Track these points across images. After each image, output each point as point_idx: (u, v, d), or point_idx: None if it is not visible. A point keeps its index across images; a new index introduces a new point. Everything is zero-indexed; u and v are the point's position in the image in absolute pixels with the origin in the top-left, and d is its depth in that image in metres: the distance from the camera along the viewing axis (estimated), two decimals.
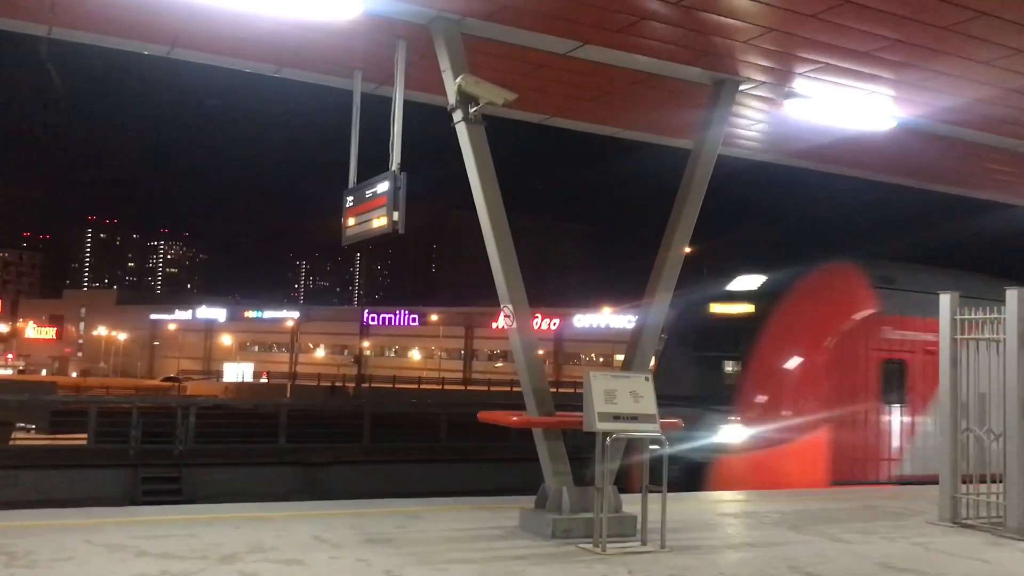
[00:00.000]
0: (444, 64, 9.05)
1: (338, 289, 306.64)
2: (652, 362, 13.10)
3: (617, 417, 8.39)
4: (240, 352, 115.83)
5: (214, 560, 7.17)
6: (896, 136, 12.06)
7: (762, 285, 15.91)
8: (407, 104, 9.71)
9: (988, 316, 10.11)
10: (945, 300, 10.51)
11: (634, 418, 8.47)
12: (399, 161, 9.47)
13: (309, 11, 8.81)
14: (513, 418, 9.42)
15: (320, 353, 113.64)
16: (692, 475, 13.67)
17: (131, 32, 9.74)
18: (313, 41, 9.71)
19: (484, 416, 9.78)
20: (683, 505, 10.45)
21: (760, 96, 10.87)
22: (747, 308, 15.79)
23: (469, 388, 78.85)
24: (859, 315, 15.24)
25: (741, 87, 10.50)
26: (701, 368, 16.38)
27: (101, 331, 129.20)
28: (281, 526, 8.55)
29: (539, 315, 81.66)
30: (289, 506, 9.52)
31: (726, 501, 11.37)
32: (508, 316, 9.02)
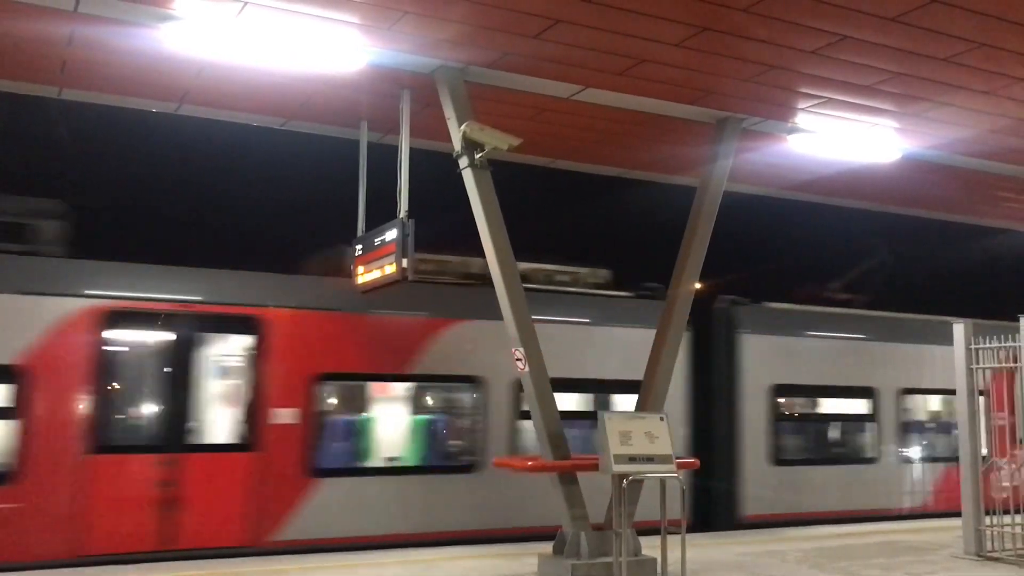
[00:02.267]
0: (449, 112, 9.14)
1: None
2: None
3: (633, 459, 8.33)
4: None
5: None
6: (902, 167, 12.08)
7: None
8: (414, 152, 9.79)
9: (1003, 344, 10.04)
10: (959, 329, 10.45)
11: (650, 459, 8.40)
12: (407, 208, 9.53)
13: (314, 64, 8.92)
14: (528, 463, 9.35)
15: None
16: None
17: (140, 91, 9.89)
18: (319, 93, 9.83)
19: (499, 462, 9.71)
20: (703, 546, 10.33)
21: (764, 132, 10.93)
22: None
23: None
24: None
25: (744, 124, 10.56)
26: None
27: None
28: None
29: None
30: (307, 559, 9.43)
31: (746, 541, 11.22)
32: (520, 359, 9.00)
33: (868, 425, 14.50)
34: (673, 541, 8.41)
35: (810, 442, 14.29)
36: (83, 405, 9.58)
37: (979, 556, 9.98)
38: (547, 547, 9.07)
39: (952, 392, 10.73)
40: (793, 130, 10.85)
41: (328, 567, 9.08)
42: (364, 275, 10.07)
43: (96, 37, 8.42)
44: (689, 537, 8.41)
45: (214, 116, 10.75)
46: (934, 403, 15.39)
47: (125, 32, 8.28)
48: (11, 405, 9.32)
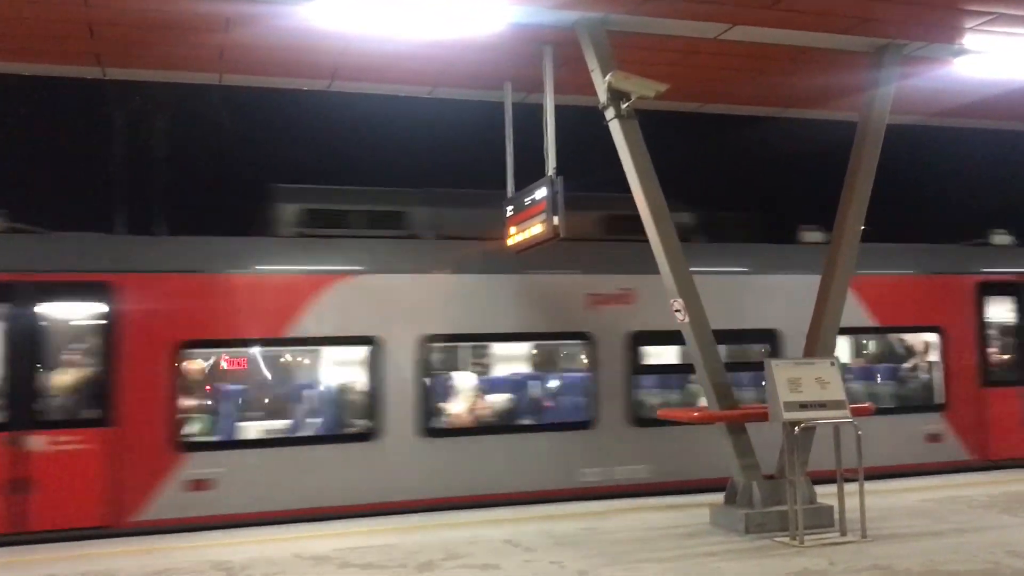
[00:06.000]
0: (592, 64, 9.03)
1: None
2: None
3: (804, 406, 8.12)
4: None
5: (412, 568, 7.40)
6: None
7: None
8: (560, 109, 9.74)
9: None
10: None
11: (822, 405, 8.17)
12: (555, 166, 9.52)
13: (458, 29, 9.01)
14: (694, 414, 9.26)
15: None
16: None
17: (293, 70, 10.26)
18: (463, 58, 9.91)
19: (664, 413, 9.65)
20: (881, 492, 9.97)
21: (927, 57, 10.26)
22: None
23: None
24: None
25: (905, 50, 9.95)
26: None
27: None
28: (473, 533, 8.72)
29: None
30: (480, 514, 9.70)
31: (928, 487, 10.75)
32: (680, 310, 8.88)
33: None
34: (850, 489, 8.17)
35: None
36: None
37: None
38: (717, 498, 9.00)
39: None
40: (960, 52, 10.14)
41: (522, 518, 9.30)
42: (516, 235, 10.14)
43: (250, 20, 8.76)
44: (867, 484, 8.13)
45: (364, 90, 11.06)
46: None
47: (276, 12, 8.57)
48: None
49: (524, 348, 12.31)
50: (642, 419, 11.30)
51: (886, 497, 9.91)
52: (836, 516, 8.34)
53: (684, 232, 11.68)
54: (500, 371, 12.17)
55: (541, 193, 9.50)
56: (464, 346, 11.96)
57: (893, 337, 13.27)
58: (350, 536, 8.72)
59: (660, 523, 9.06)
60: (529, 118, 10.50)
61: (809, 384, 8.20)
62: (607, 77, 8.76)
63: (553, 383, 12.11)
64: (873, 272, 12.32)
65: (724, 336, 11.29)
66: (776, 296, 11.94)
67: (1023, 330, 13.28)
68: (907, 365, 13.15)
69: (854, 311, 11.88)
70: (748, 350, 12.43)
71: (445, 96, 11.38)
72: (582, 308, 11.29)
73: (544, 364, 12.51)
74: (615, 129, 9.00)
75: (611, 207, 11.97)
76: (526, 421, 11.40)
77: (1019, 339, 13.28)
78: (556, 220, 9.25)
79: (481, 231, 11.21)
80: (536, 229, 9.62)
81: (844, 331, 11.56)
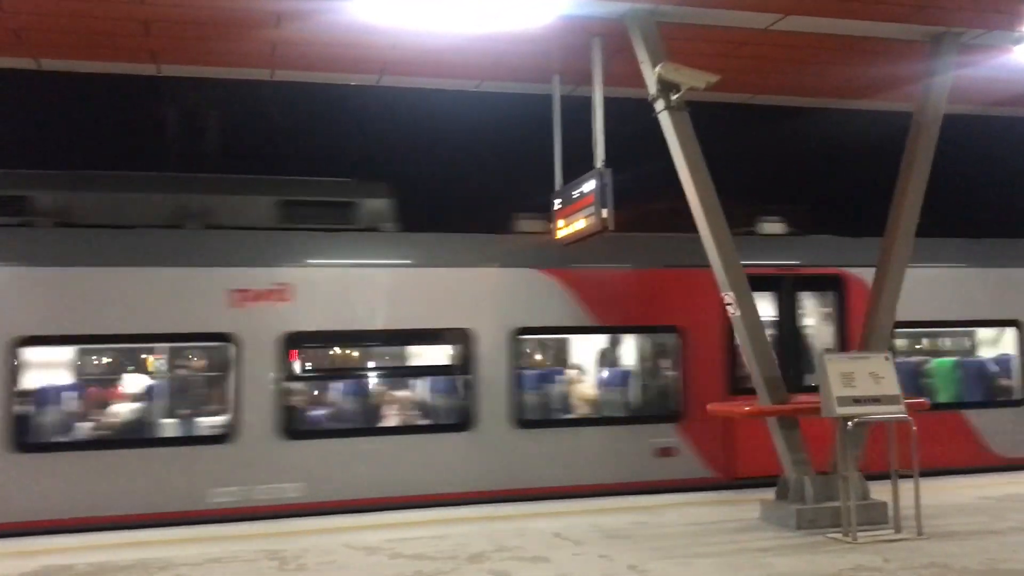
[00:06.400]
0: (642, 55, 8.97)
1: None
2: None
3: (857, 400, 8.00)
4: None
5: (463, 560, 7.43)
6: None
7: None
8: (609, 101, 9.69)
9: None
10: None
11: (876, 400, 8.05)
12: (604, 158, 9.48)
13: (506, 22, 9.01)
14: (745, 408, 9.17)
15: None
16: None
17: (343, 66, 10.36)
18: (511, 51, 9.91)
19: (713, 409, 9.58)
20: (937, 490, 9.79)
21: (985, 45, 10.03)
22: None
23: None
24: None
25: (963, 39, 9.73)
26: None
27: None
28: (522, 525, 8.74)
29: None
30: (529, 506, 9.71)
31: (987, 484, 10.52)
32: (731, 304, 8.80)
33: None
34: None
35: None
36: None
37: None
38: (768, 494, 8.91)
39: None
40: (1020, 39, 9.90)
41: (571, 511, 9.30)
42: (564, 228, 10.13)
43: (302, 16, 8.85)
44: (924, 481, 7.99)
45: (413, 84, 11.11)
46: None
47: (327, 8, 8.65)
48: None
49: (150, 351, 10.93)
50: (297, 431, 10.15)
51: (942, 494, 9.72)
52: (890, 513, 8.21)
53: (378, 220, 11.09)
54: (120, 377, 10.89)
55: (589, 186, 9.48)
56: (73, 349, 10.64)
57: (620, 338, 11.71)
58: (398, 527, 8.79)
59: (710, 518, 8.99)
60: (573, 111, 10.48)
61: (863, 378, 8.08)
62: (657, 68, 8.69)
63: (182, 391, 10.87)
64: (592, 266, 11.08)
65: (405, 336, 10.78)
66: (467, 291, 10.76)
67: (786, 329, 11.73)
68: (634, 370, 11.59)
69: (566, 309, 10.90)
70: (429, 352, 11.21)
71: (493, 90, 11.41)
72: (223, 306, 10.02)
73: (174, 369, 11.06)
74: (664, 121, 8.93)
75: (278, 191, 11.08)
76: (144, 435, 10.16)
77: (782, 339, 11.57)
78: (605, 213, 9.23)
79: (118, 217, 10.28)
80: (583, 223, 9.60)
81: (555, 331, 11.33)
